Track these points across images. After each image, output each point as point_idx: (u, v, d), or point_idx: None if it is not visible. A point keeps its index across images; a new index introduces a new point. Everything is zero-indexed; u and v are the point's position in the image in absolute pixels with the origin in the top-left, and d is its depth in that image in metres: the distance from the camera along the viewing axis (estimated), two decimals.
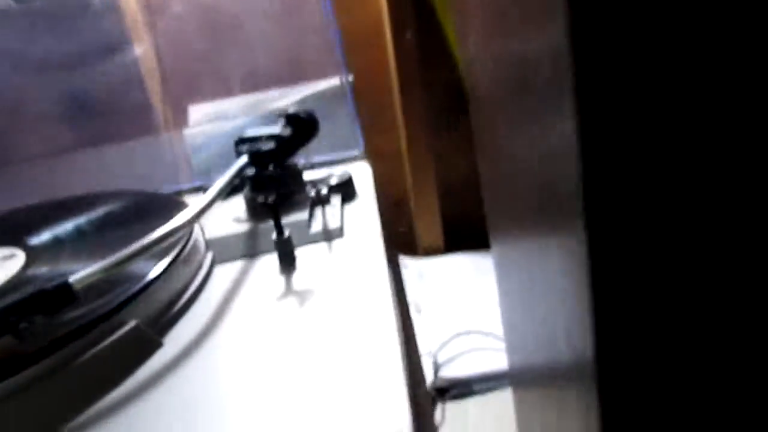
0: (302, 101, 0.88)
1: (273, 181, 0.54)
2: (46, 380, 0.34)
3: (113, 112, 0.89)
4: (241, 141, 0.56)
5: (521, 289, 0.34)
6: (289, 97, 0.89)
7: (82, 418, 0.34)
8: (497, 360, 1.01)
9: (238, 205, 0.57)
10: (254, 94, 0.91)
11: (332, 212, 0.53)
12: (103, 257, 0.38)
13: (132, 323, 0.38)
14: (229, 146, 0.91)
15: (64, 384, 0.34)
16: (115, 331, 0.37)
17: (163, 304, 0.42)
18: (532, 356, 0.35)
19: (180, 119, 0.93)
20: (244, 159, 0.53)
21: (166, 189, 0.72)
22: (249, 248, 0.50)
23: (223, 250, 0.50)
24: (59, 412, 0.34)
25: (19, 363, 0.34)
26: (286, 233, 0.47)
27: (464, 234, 0.80)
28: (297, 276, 0.45)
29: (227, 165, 0.89)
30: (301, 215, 0.52)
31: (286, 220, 0.52)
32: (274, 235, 0.48)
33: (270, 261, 0.49)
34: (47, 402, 0.34)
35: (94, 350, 0.36)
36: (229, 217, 0.55)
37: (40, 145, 0.87)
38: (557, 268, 0.29)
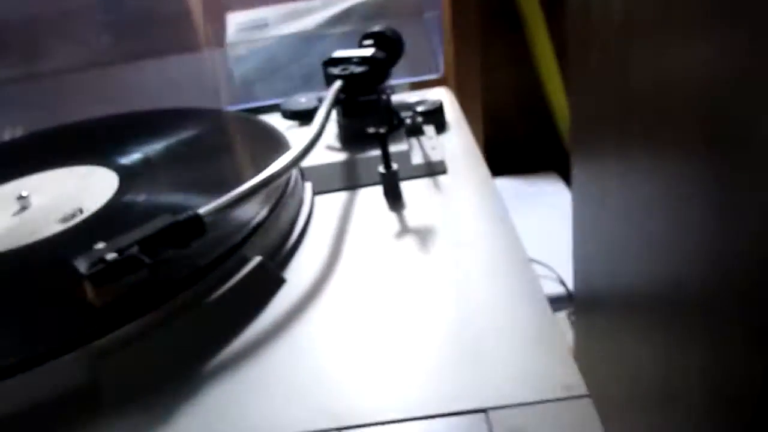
0: (348, 12, 0.83)
1: (369, 108, 0.51)
2: (174, 319, 0.32)
3: (152, 22, 0.84)
4: (330, 62, 0.53)
5: (634, 209, 0.32)
6: (331, 7, 0.84)
7: (210, 358, 0.32)
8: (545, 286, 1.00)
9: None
10: (295, 1, 0.86)
11: (429, 144, 0.51)
12: (205, 186, 0.36)
13: (256, 259, 0.36)
14: (273, 60, 0.87)
15: (192, 323, 0.33)
16: (240, 268, 0.36)
17: (277, 240, 0.40)
18: (633, 282, 0.33)
19: (220, 31, 0.87)
20: (338, 83, 0.50)
21: (225, 106, 0.69)
22: (347, 180, 0.48)
23: (321, 180, 0.48)
24: (187, 352, 0.32)
25: (148, 301, 0.32)
26: (394, 166, 0.45)
27: (506, 158, 0.77)
28: (408, 213, 0.43)
29: (270, 79, 0.86)
30: (397, 146, 0.49)
31: (377, 152, 0.49)
32: (380, 168, 0.45)
33: (372, 194, 0.46)
34: (175, 342, 0.32)
35: (221, 288, 0.34)
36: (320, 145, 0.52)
37: (75, 57, 0.82)
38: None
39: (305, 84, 0.81)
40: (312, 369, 0.31)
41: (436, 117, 0.55)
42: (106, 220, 0.41)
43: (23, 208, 0.44)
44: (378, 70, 0.52)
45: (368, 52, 0.52)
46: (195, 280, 0.34)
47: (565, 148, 0.77)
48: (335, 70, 0.52)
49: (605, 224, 0.38)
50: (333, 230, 0.42)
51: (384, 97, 0.52)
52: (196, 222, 0.33)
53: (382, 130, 0.43)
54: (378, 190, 0.46)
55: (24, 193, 0.44)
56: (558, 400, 0.27)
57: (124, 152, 0.49)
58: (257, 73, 0.85)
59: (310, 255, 0.40)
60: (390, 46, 0.56)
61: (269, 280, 0.37)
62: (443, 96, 0.62)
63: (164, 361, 0.31)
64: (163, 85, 0.84)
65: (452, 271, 0.36)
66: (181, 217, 0.33)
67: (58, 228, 0.40)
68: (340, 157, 0.50)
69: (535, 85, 0.81)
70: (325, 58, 0.53)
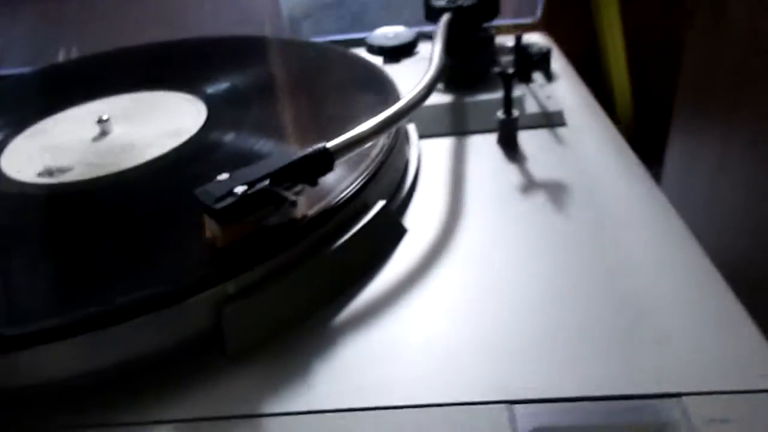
0: None
1: (475, 46, 0.46)
2: (297, 266, 0.29)
3: None
4: None
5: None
6: None
7: (335, 309, 0.29)
8: None
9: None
10: None
11: (542, 92, 0.46)
12: (298, 124, 0.32)
13: (379, 204, 0.32)
14: None
15: (315, 271, 0.29)
16: (361, 214, 0.32)
17: (393, 185, 0.36)
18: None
19: None
20: (447, 17, 0.45)
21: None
22: (454, 124, 0.44)
23: (426, 123, 0.43)
24: (310, 300, 0.29)
25: (271, 244, 0.28)
26: (514, 113, 0.40)
27: None
28: (531, 165, 0.39)
29: (318, 16, 0.80)
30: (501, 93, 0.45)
31: (486, 96, 0.45)
32: (498, 112, 0.41)
33: (482, 142, 0.42)
34: (297, 289, 0.28)
35: (346, 234, 0.30)
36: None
37: None
38: None
39: (355, 23, 0.75)
40: (448, 333, 0.27)
41: (542, 64, 0.50)
42: (201, 151, 0.36)
43: (103, 133, 0.40)
44: (488, 3, 0.47)
45: None
46: (319, 225, 0.30)
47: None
48: (441, 2, 0.47)
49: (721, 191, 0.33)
50: (447, 178, 0.38)
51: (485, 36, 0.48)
52: (325, 156, 0.29)
53: (510, 71, 0.39)
54: (487, 139, 0.42)
55: (105, 117, 0.40)
56: (761, 391, 0.24)
57: (209, 80, 0.45)
58: (305, 8, 0.79)
59: (427, 204, 0.36)
60: None
61: (392, 228, 0.33)
62: (542, 42, 0.57)
63: (286, 309, 0.28)
64: (207, 16, 0.78)
65: (596, 234, 0.32)
66: (311, 150, 0.29)
67: (150, 154, 0.36)
68: (445, 99, 0.45)
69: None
70: None
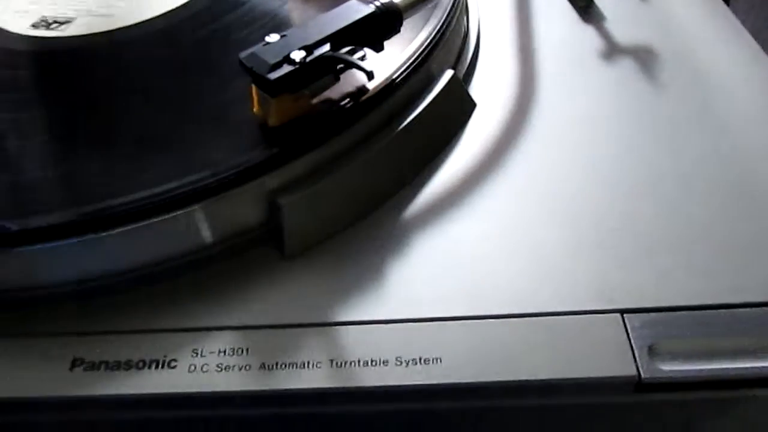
0: None
1: None
2: (363, 147, 0.24)
3: None
4: None
5: None
6: None
7: (404, 198, 0.25)
8: None
9: None
10: None
11: None
12: None
13: (448, 74, 0.27)
14: None
15: (382, 154, 0.25)
16: (429, 85, 0.27)
17: (456, 51, 0.30)
18: None
19: None
20: None
21: None
22: None
23: None
24: (378, 187, 0.25)
25: (335, 121, 0.24)
26: None
27: None
28: (611, 27, 0.33)
29: None
30: None
31: None
32: None
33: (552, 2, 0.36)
34: (364, 175, 0.24)
35: (415, 110, 0.25)
36: None
37: None
38: None
39: None
40: (538, 231, 0.24)
41: None
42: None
43: None
44: None
45: None
46: (384, 99, 0.25)
47: None
48: None
49: None
50: (513, 42, 0.33)
51: None
52: (393, 14, 0.24)
53: None
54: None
55: None
56: None
57: None
58: None
59: (494, 73, 0.31)
60: None
61: (461, 103, 0.28)
62: None
63: (350, 200, 0.24)
64: None
65: (697, 109, 0.28)
66: (377, 5, 0.23)
67: (168, 3, 0.30)
68: None
69: None
70: None
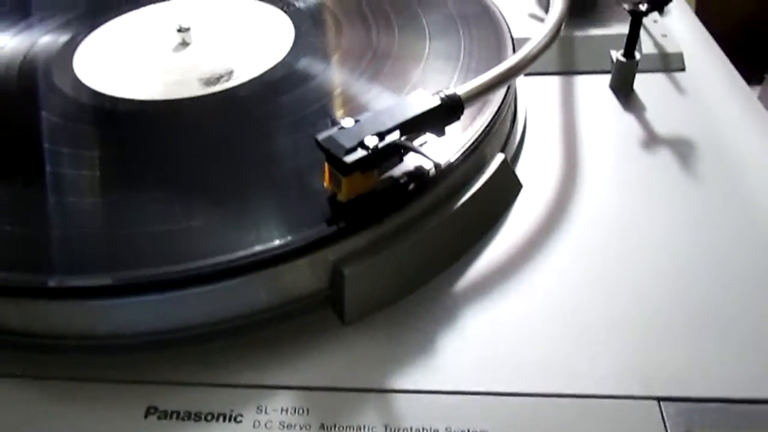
0: None
1: None
2: (421, 223, 0.26)
3: None
4: None
5: None
6: None
7: (456, 272, 0.27)
8: None
9: None
10: None
11: (657, 29, 0.41)
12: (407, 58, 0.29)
13: (499, 157, 0.29)
14: None
15: (436, 230, 0.26)
16: (481, 168, 0.29)
17: (506, 134, 0.33)
18: None
19: None
20: None
21: None
22: (562, 62, 0.39)
23: None
24: (432, 261, 0.27)
25: (397, 198, 0.26)
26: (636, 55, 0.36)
27: None
28: (651, 117, 0.35)
29: None
30: (618, 27, 0.40)
31: (598, 31, 0.40)
32: (616, 54, 0.37)
33: (593, 84, 0.38)
34: (421, 249, 0.26)
35: (469, 190, 0.28)
36: (520, 10, 0.43)
37: None
38: None
39: None
40: (581, 309, 0.25)
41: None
42: (298, 80, 0.33)
43: (185, 43, 0.37)
44: None
45: None
46: (440, 179, 0.27)
47: None
48: None
49: None
50: (558, 127, 0.35)
51: None
52: (456, 104, 0.26)
53: (642, 7, 0.34)
54: (598, 81, 0.38)
55: (185, 25, 0.36)
56: None
57: None
58: None
59: (539, 156, 0.33)
60: None
61: (509, 184, 0.30)
62: None
63: (407, 272, 0.26)
64: None
65: (732, 200, 0.30)
66: (443, 97, 0.26)
67: (239, 77, 0.33)
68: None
69: None
70: None
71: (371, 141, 0.23)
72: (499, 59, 0.33)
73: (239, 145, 0.29)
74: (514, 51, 0.35)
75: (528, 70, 0.29)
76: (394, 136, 0.24)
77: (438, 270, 0.26)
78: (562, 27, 0.32)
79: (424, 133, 0.26)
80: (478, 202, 0.28)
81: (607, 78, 0.38)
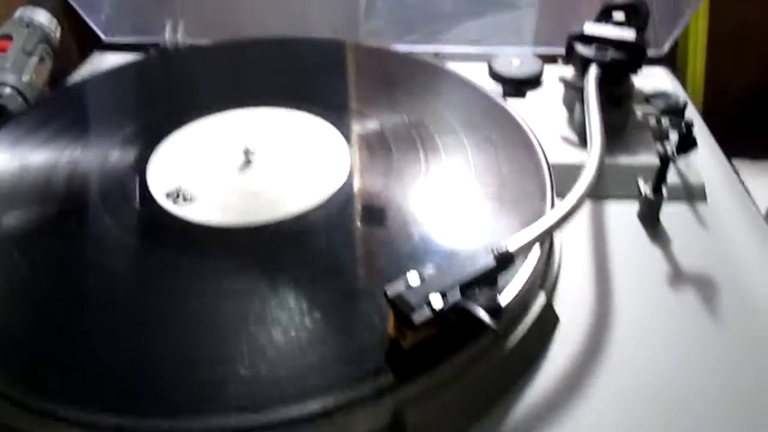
0: None
1: (614, 100, 0.45)
2: (476, 365, 0.29)
3: None
4: (579, 38, 0.46)
5: None
6: None
7: (504, 408, 0.30)
8: None
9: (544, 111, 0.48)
10: None
11: (680, 158, 0.45)
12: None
13: (542, 298, 0.33)
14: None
15: (487, 371, 0.29)
16: (527, 307, 0.32)
17: (542, 266, 0.36)
18: None
19: None
20: (596, 71, 0.44)
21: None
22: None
23: (561, 182, 0.42)
24: (485, 399, 0.30)
25: (449, 345, 0.28)
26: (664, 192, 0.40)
27: None
28: (676, 251, 0.38)
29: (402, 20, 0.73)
30: (643, 155, 0.43)
31: (627, 160, 0.43)
32: (644, 187, 0.40)
33: (621, 210, 0.41)
34: (475, 388, 0.29)
35: (518, 330, 0.31)
36: (554, 132, 0.46)
37: None
38: None
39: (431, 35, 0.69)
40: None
41: (680, 121, 0.47)
42: (358, 211, 0.36)
43: (248, 162, 0.40)
44: (636, 57, 0.45)
45: (629, 34, 0.45)
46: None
47: None
48: (586, 51, 0.45)
49: None
50: (589, 257, 0.38)
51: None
52: (507, 259, 0.29)
53: (671, 152, 0.38)
54: (626, 208, 0.41)
55: (250, 147, 0.40)
56: None
57: (354, 110, 0.44)
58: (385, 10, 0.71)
59: (573, 286, 0.36)
60: (641, 22, 0.48)
61: (548, 319, 0.33)
62: (664, 79, 0.55)
63: (462, 411, 0.29)
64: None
65: (752, 350, 0.32)
66: (496, 254, 0.29)
67: (300, 206, 0.36)
68: (582, 156, 0.44)
69: None
70: (574, 32, 0.46)
71: (437, 302, 0.26)
72: (538, 187, 0.37)
73: (299, 280, 0.32)
74: (551, 178, 0.39)
75: (573, 217, 0.32)
76: (456, 293, 0.27)
77: (491, 405, 0.29)
78: (602, 167, 0.35)
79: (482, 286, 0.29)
80: (523, 339, 0.31)
81: (633, 204, 0.41)
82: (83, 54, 0.64)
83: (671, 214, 0.41)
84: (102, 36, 0.62)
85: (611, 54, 0.44)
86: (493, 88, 0.52)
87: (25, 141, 0.42)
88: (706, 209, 0.41)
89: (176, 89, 0.49)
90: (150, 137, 0.42)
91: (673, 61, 0.61)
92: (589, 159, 0.35)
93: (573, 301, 0.35)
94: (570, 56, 0.47)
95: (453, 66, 0.50)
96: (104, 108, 0.47)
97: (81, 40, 0.67)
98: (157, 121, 0.44)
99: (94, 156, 0.41)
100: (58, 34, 0.59)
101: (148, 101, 0.47)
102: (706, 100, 0.71)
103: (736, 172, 0.47)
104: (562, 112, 0.48)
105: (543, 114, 0.48)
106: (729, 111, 0.70)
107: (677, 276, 0.37)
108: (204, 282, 0.32)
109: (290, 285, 0.31)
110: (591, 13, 0.48)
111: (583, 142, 0.45)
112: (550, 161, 0.40)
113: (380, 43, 0.57)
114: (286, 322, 0.29)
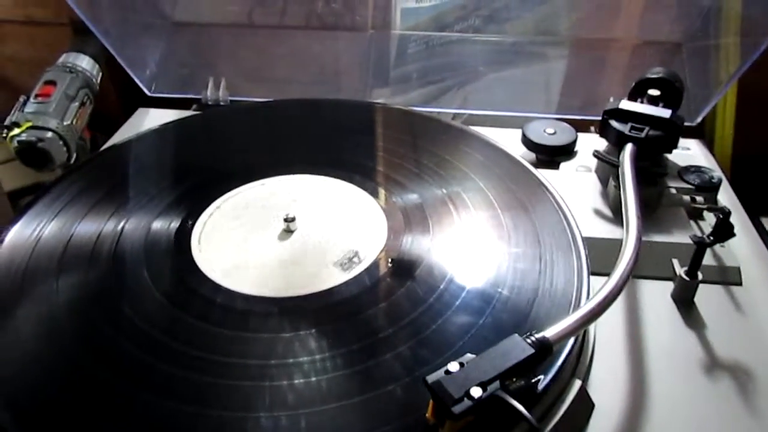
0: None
1: (649, 178, 0.45)
2: None
3: None
4: (614, 113, 0.47)
5: None
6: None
7: None
8: None
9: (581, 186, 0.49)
10: None
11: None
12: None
13: (577, 384, 0.33)
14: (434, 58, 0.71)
15: None
16: (564, 393, 0.32)
17: (577, 350, 0.36)
18: None
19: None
20: (631, 148, 0.44)
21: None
22: None
23: (596, 257, 0.42)
24: None
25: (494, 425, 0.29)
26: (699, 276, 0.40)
27: None
28: (711, 336, 0.38)
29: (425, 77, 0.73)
30: (678, 235, 0.43)
31: (661, 238, 0.43)
32: (679, 269, 0.40)
33: (656, 290, 0.41)
34: None
35: (555, 417, 0.31)
36: (587, 206, 0.47)
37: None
38: None
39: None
40: None
41: (714, 197, 0.48)
42: (390, 287, 0.37)
43: (289, 231, 0.41)
44: (673, 135, 0.45)
45: (664, 112, 0.46)
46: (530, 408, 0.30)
47: None
48: (621, 127, 0.46)
49: None
50: (622, 337, 0.38)
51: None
52: (546, 350, 0.29)
53: (708, 238, 0.38)
54: (660, 288, 0.41)
55: (291, 215, 0.41)
56: None
57: (392, 180, 0.45)
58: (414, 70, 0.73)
59: (607, 369, 0.36)
60: (675, 98, 0.49)
61: (583, 404, 0.33)
62: (697, 151, 0.56)
63: None
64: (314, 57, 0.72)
65: None
66: (536, 343, 0.29)
67: (342, 276, 0.37)
68: (617, 232, 0.44)
69: None
70: (609, 107, 0.47)
71: (476, 392, 0.27)
72: (572, 262, 0.38)
73: (336, 358, 0.33)
74: (586, 252, 0.39)
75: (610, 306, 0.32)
76: (495, 384, 0.27)
77: None
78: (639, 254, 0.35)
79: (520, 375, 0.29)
80: (558, 427, 0.31)
81: (667, 284, 0.41)
82: (120, 96, 0.65)
83: (706, 296, 0.41)
84: (146, 91, 0.64)
85: (647, 132, 0.45)
86: (524, 153, 0.53)
87: (70, 206, 0.44)
88: (741, 292, 0.41)
89: (218, 152, 0.51)
90: (192, 205, 0.44)
91: (700, 126, 0.61)
92: (626, 244, 0.36)
93: (607, 386, 0.35)
94: (605, 131, 0.47)
95: (483, 131, 0.52)
96: (145, 172, 0.48)
97: (119, 83, 0.69)
98: (199, 186, 0.46)
99: (137, 225, 0.42)
100: (99, 80, 0.61)
101: (191, 165, 0.49)
102: (734, 163, 0.71)
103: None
104: (595, 183, 0.49)
105: (575, 185, 0.49)
106: (758, 171, 0.70)
107: (712, 361, 0.36)
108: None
109: (333, 359, 0.33)
110: (612, 81, 0.49)
111: (616, 215, 0.46)
112: (584, 234, 0.41)
113: (408, 103, 0.58)
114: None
